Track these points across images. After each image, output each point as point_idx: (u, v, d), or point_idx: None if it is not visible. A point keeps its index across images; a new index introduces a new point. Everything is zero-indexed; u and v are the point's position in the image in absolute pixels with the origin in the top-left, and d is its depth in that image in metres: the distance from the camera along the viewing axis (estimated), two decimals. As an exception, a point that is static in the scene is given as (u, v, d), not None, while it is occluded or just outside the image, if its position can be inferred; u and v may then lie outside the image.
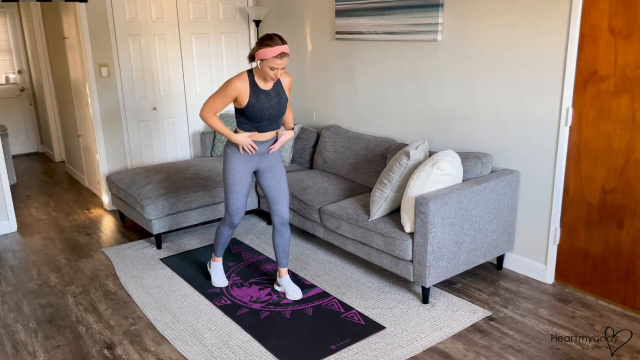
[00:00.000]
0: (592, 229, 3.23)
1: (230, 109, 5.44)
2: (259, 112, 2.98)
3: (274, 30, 5.36)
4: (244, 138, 3.03)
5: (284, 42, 2.84)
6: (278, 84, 3.07)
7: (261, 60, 2.86)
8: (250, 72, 3.00)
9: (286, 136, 3.15)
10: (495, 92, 3.52)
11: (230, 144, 3.13)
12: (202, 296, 3.36)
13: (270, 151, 3.14)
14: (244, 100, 2.95)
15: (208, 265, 3.60)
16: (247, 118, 3.01)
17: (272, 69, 2.86)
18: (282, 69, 2.88)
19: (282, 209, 3.25)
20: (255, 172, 3.24)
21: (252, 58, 2.97)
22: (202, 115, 3.03)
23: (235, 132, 3.11)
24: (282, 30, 5.24)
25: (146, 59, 5.02)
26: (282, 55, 2.82)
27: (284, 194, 3.24)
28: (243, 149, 3.07)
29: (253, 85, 2.97)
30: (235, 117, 3.09)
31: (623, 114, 2.97)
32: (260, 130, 3.06)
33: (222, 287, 3.46)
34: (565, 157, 3.25)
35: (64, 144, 6.75)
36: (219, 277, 3.50)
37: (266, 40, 2.84)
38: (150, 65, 5.05)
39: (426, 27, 3.81)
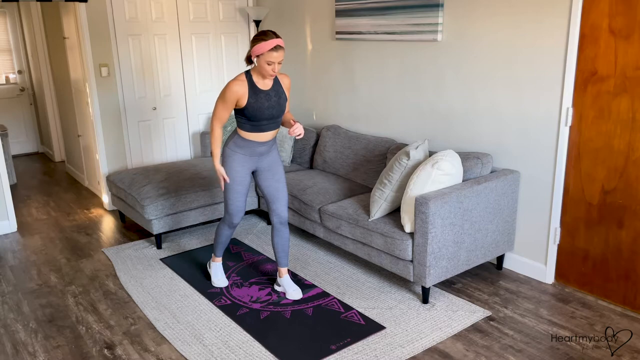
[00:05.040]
0: (592, 229, 3.23)
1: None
2: (258, 111, 2.98)
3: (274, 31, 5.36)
4: (220, 170, 3.11)
5: (277, 37, 2.87)
6: (277, 84, 3.07)
7: (257, 56, 2.88)
8: (248, 73, 3.01)
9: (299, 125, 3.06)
10: (495, 92, 3.52)
11: (229, 143, 3.13)
12: (202, 296, 3.36)
13: (292, 132, 2.96)
14: (243, 101, 2.96)
15: (208, 266, 3.60)
16: (246, 118, 3.02)
17: (269, 63, 2.87)
18: (279, 63, 2.89)
19: (280, 209, 3.25)
20: (253, 172, 3.24)
21: (249, 60, 2.99)
22: (210, 127, 3.06)
23: (235, 131, 3.13)
24: (282, 30, 5.24)
25: (146, 59, 5.02)
26: (277, 48, 2.84)
27: (283, 193, 3.25)
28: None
29: (252, 85, 2.97)
30: (235, 117, 3.09)
31: (623, 114, 2.97)
32: (260, 129, 3.06)
33: (222, 287, 3.46)
34: (565, 157, 3.25)
35: (64, 144, 6.75)
36: (218, 277, 3.50)
37: (260, 36, 2.87)
38: (150, 65, 5.05)
39: (426, 27, 3.81)
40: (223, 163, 3.17)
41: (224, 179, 3.12)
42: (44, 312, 3.26)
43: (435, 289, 3.39)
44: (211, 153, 3.09)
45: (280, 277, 3.38)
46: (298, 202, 3.97)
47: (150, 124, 5.18)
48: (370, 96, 4.47)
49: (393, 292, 3.37)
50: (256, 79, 2.99)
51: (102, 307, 3.29)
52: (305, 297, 3.32)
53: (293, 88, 5.26)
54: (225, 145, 3.17)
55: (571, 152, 3.23)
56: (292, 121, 3.10)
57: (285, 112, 3.20)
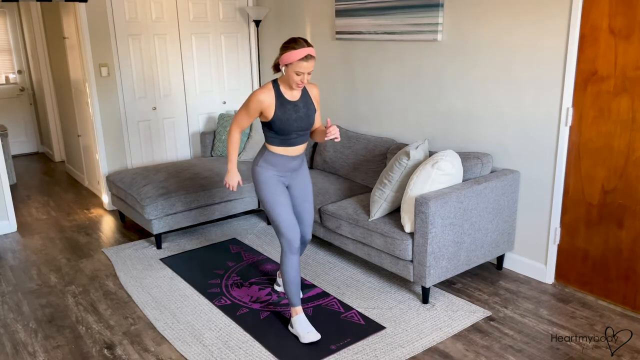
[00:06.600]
0: (592, 229, 3.23)
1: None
2: (286, 124, 2.76)
3: (275, 31, 5.36)
4: (233, 176, 2.94)
5: (309, 45, 2.64)
6: (306, 94, 2.85)
7: (286, 65, 2.66)
8: (275, 83, 2.78)
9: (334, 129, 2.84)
10: (495, 92, 3.52)
11: (259, 161, 2.90)
12: (202, 296, 3.36)
13: (329, 135, 2.74)
14: (270, 113, 2.74)
15: (290, 326, 2.98)
16: (274, 132, 2.80)
17: (297, 74, 2.65)
18: (309, 73, 2.68)
19: (305, 230, 3.10)
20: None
21: (276, 68, 2.76)
22: (229, 130, 2.89)
23: (264, 147, 2.92)
24: (282, 30, 5.24)
25: (146, 59, 5.02)
26: (308, 57, 2.62)
27: (310, 214, 3.07)
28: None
29: (279, 96, 2.75)
30: (263, 131, 2.89)
31: (623, 114, 2.97)
32: (289, 143, 2.84)
33: (311, 341, 2.87)
34: (565, 157, 3.25)
35: (64, 144, 6.75)
36: (307, 330, 2.88)
37: (290, 44, 2.65)
38: (150, 65, 5.05)
39: (426, 27, 3.81)
40: (255, 183, 2.92)
41: (234, 184, 2.92)
42: (44, 312, 3.26)
43: (435, 289, 3.39)
44: (228, 157, 2.89)
45: (280, 277, 3.38)
46: (298, 202, 3.96)
47: (150, 124, 5.18)
48: (370, 96, 4.47)
49: (393, 292, 3.37)
50: (284, 89, 2.77)
51: (102, 307, 3.29)
52: (305, 297, 3.32)
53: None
54: (254, 163, 2.93)
55: (571, 152, 3.23)
56: (326, 126, 2.82)
57: (316, 124, 2.99)
